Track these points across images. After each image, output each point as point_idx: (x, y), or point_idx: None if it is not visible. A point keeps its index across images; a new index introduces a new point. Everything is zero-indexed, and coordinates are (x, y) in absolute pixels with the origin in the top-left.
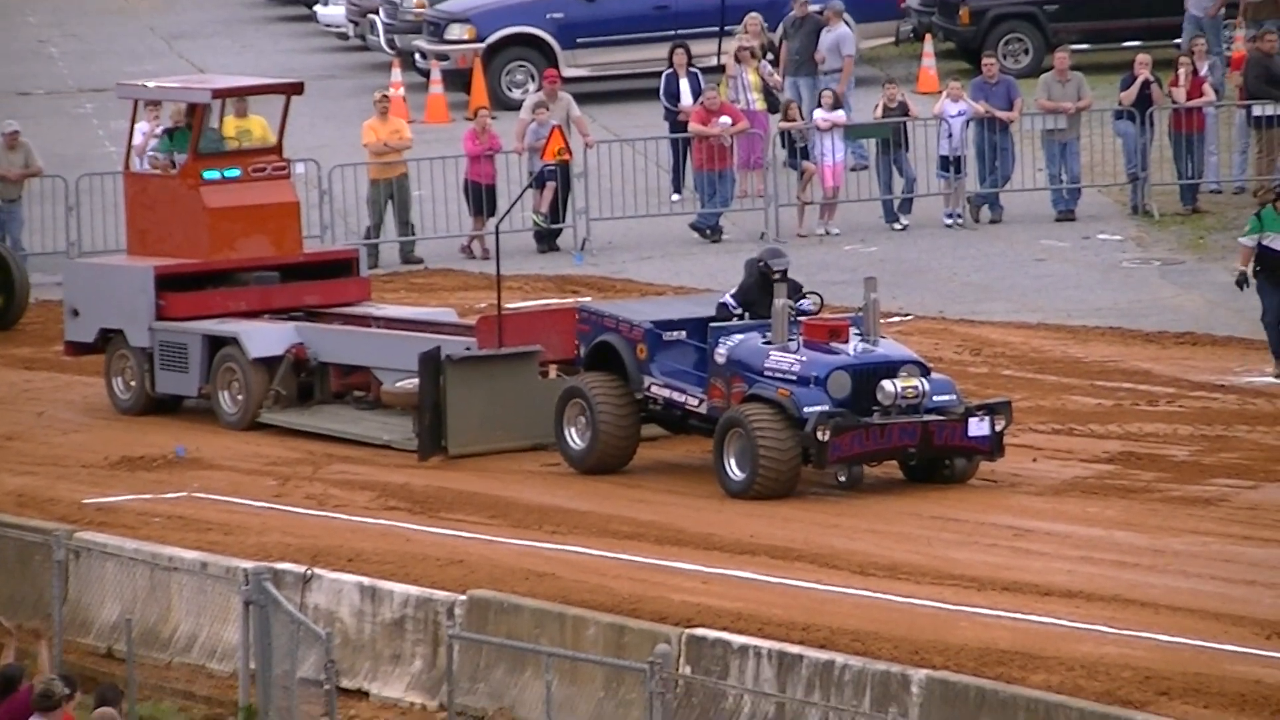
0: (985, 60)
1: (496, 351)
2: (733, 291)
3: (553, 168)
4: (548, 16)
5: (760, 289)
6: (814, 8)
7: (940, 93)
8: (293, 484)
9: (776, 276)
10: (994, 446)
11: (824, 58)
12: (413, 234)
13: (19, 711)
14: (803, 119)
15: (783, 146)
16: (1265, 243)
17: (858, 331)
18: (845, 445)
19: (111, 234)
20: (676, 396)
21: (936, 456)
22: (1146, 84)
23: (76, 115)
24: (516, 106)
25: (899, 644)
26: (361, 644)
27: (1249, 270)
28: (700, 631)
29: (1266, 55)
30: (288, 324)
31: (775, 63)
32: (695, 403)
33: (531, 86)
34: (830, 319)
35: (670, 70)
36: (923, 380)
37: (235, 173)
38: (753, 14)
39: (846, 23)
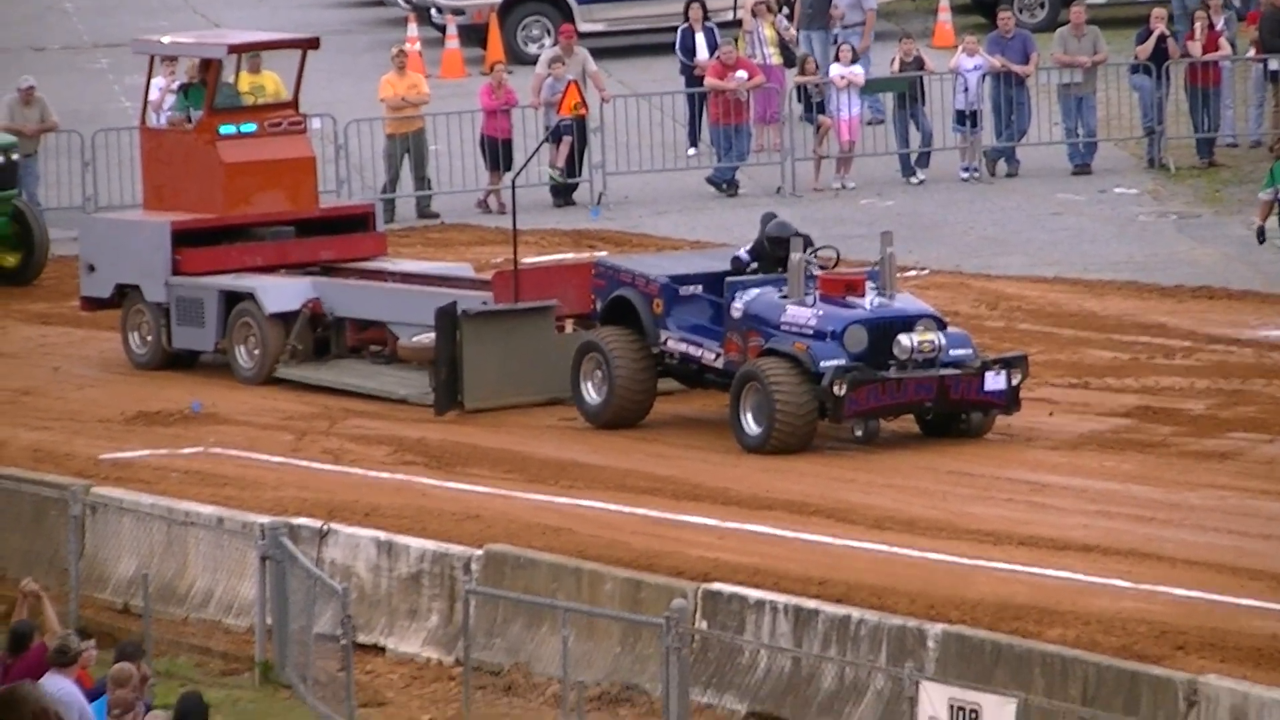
0: (1001, 15)
1: (512, 306)
2: (748, 247)
3: (569, 122)
4: None
5: (774, 244)
6: None
7: (956, 47)
8: (309, 439)
9: (781, 253)
10: (1010, 400)
11: (842, 12)
12: (429, 189)
13: (32, 668)
14: (819, 73)
15: (799, 100)
16: None
17: (874, 286)
18: (862, 399)
19: (127, 189)
20: (693, 351)
21: (953, 411)
22: (1162, 38)
23: (92, 71)
24: (532, 61)
25: (915, 599)
26: (378, 599)
27: (1267, 223)
28: (716, 586)
29: (1278, 8)
30: (304, 279)
31: (791, 17)
32: (711, 357)
33: (547, 41)
34: (846, 273)
35: (686, 25)
36: (939, 334)
37: (251, 128)
38: None
39: None
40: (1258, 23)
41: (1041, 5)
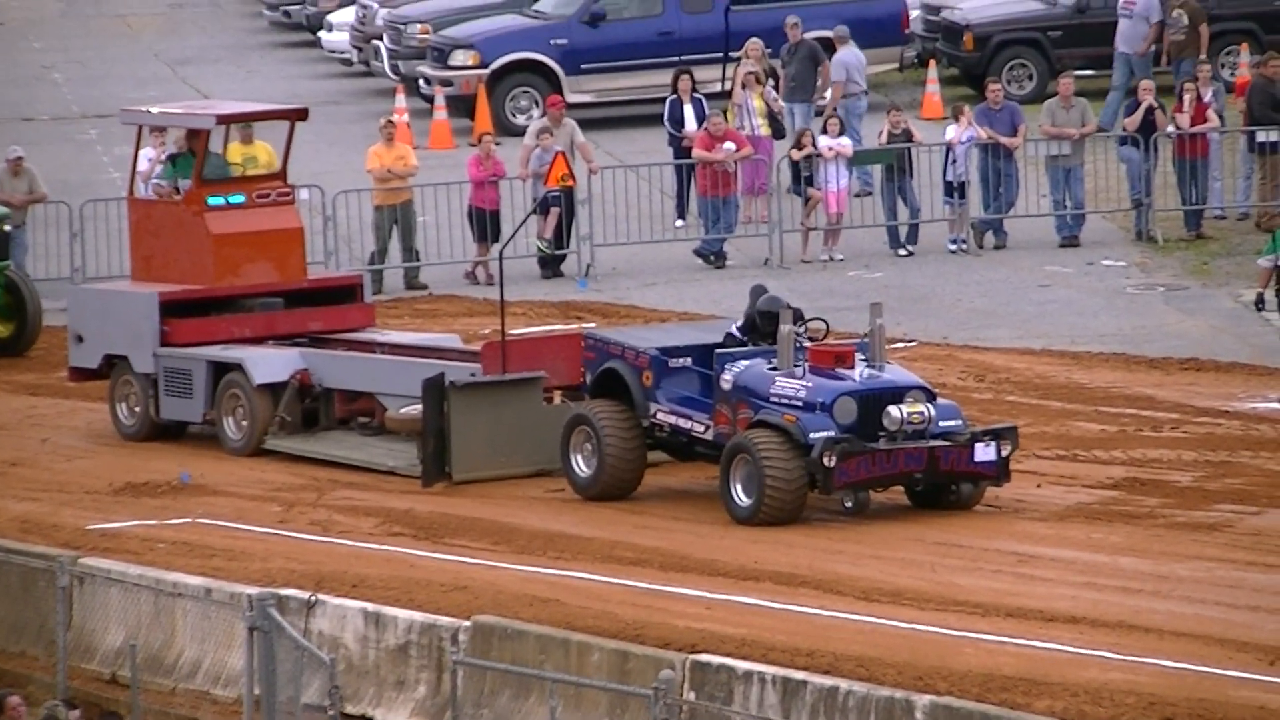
0: (990, 86)
1: (501, 377)
2: (739, 323)
3: (556, 194)
4: (551, 42)
5: (764, 317)
6: (810, 35)
7: (945, 118)
8: (297, 510)
9: (771, 328)
10: (1000, 471)
11: (832, 84)
12: (417, 260)
13: None
14: (814, 147)
15: (788, 169)
16: None
17: (863, 357)
18: (851, 470)
19: (116, 260)
20: (682, 423)
21: (942, 482)
22: (1150, 110)
23: (81, 141)
24: (520, 132)
25: (903, 670)
26: (365, 670)
27: (1267, 290)
28: (704, 657)
29: (1270, 80)
30: (292, 350)
31: (779, 88)
32: (701, 429)
33: (535, 112)
34: (835, 344)
35: (674, 96)
36: (928, 405)
37: (239, 199)
38: (754, 39)
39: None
40: (1245, 93)
41: (1030, 77)
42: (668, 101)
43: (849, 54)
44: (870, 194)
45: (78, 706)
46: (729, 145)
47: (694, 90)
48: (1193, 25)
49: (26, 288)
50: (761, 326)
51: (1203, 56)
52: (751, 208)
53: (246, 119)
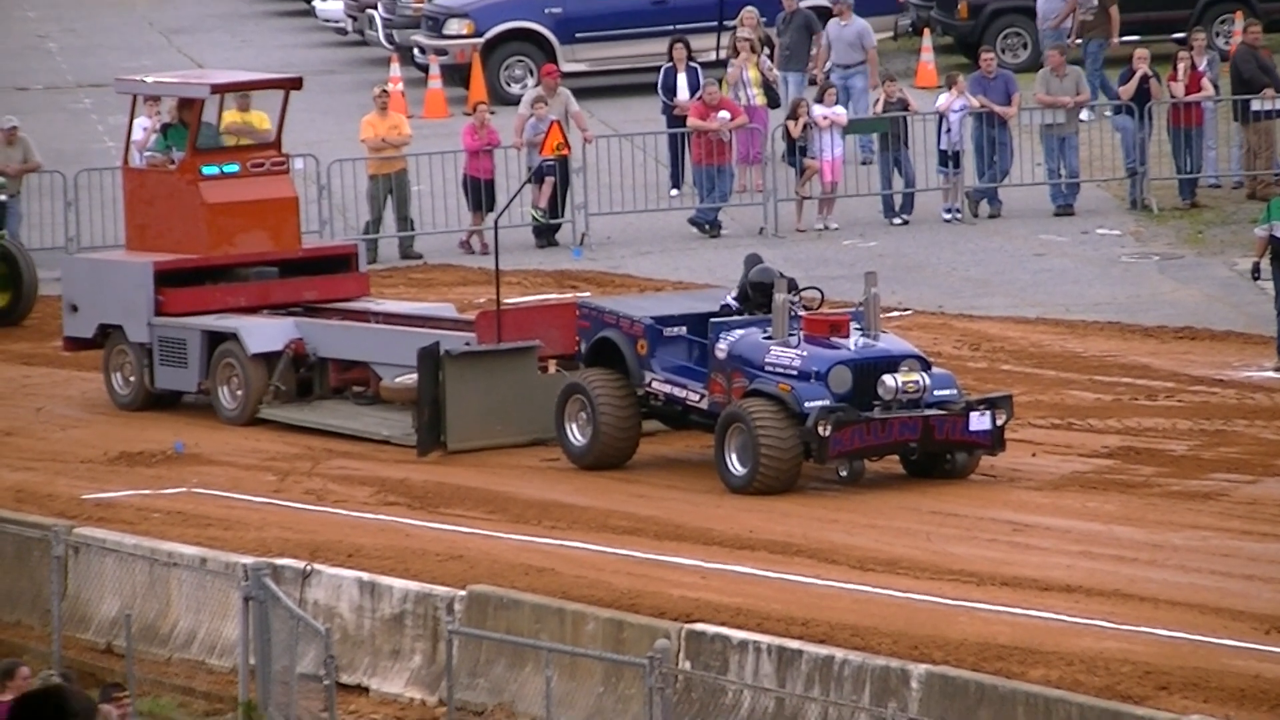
0: (984, 55)
1: (495, 347)
2: (733, 294)
3: (551, 163)
4: (546, 11)
5: (755, 290)
6: (804, 3)
7: (939, 87)
8: (292, 479)
9: (764, 299)
10: (995, 441)
11: (829, 53)
12: (412, 229)
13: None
14: (809, 117)
15: (783, 139)
16: (1275, 232)
17: (858, 326)
18: (846, 440)
19: (110, 229)
20: (677, 392)
21: (937, 451)
22: (1145, 78)
23: (75, 110)
24: (515, 101)
25: (898, 639)
26: (361, 639)
27: (1263, 259)
28: (699, 626)
29: (1253, 48)
30: (287, 319)
31: (774, 57)
32: (696, 398)
33: (530, 81)
34: (830, 314)
35: (669, 65)
36: (923, 375)
37: (234, 168)
38: (749, 8)
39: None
40: (1230, 63)
41: (1024, 45)
42: (662, 70)
43: (859, 24)
44: (872, 162)
45: (73, 677)
46: (724, 114)
47: (689, 59)
48: (1102, 7)
49: (23, 257)
50: (754, 298)
51: (1113, 39)
52: (746, 177)
53: (241, 88)
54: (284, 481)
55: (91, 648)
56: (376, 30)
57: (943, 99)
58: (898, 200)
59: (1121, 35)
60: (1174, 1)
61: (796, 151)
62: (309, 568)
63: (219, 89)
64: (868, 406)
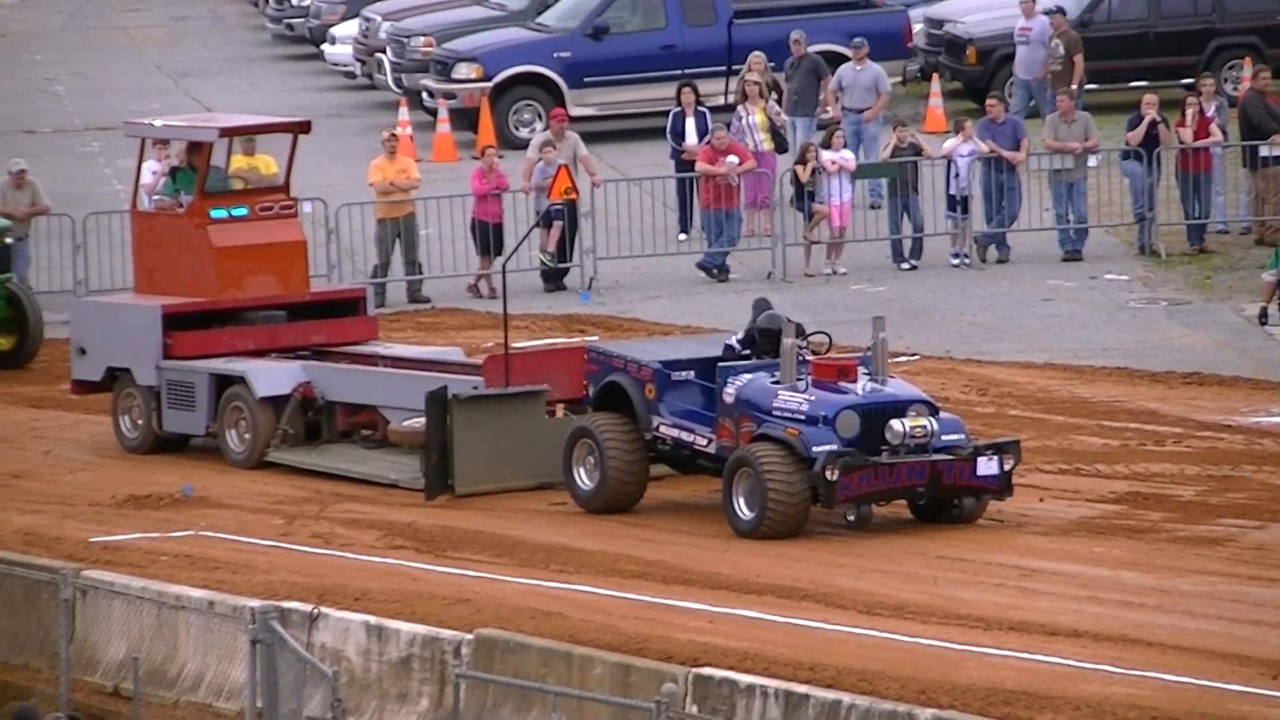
0: (989, 102)
1: (503, 390)
2: (739, 335)
3: (559, 207)
4: (555, 55)
5: (764, 336)
6: (813, 49)
7: (947, 132)
8: (299, 523)
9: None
10: (1003, 486)
11: (838, 97)
12: (420, 273)
13: None
14: (817, 161)
15: (791, 183)
16: None
17: (866, 371)
18: (854, 484)
19: (119, 272)
20: (685, 436)
21: (945, 496)
22: (1153, 124)
23: (83, 154)
24: (523, 145)
25: (905, 684)
26: (368, 683)
27: (1271, 305)
28: (707, 671)
29: (1261, 94)
30: (295, 363)
31: (781, 101)
32: (704, 442)
33: (538, 125)
34: (838, 358)
35: (678, 109)
36: (931, 419)
37: (242, 211)
38: (756, 53)
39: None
40: (1239, 108)
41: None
42: (671, 114)
43: (875, 69)
44: (881, 207)
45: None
46: (732, 159)
47: (698, 103)
48: (1068, 55)
49: (28, 300)
50: (762, 344)
51: (1074, 86)
52: (754, 221)
53: (250, 132)
54: (291, 525)
55: (99, 690)
56: (385, 74)
57: (949, 144)
58: (906, 245)
59: (1130, 81)
60: (1182, 47)
61: (805, 196)
62: (316, 611)
63: (227, 132)
64: (875, 451)
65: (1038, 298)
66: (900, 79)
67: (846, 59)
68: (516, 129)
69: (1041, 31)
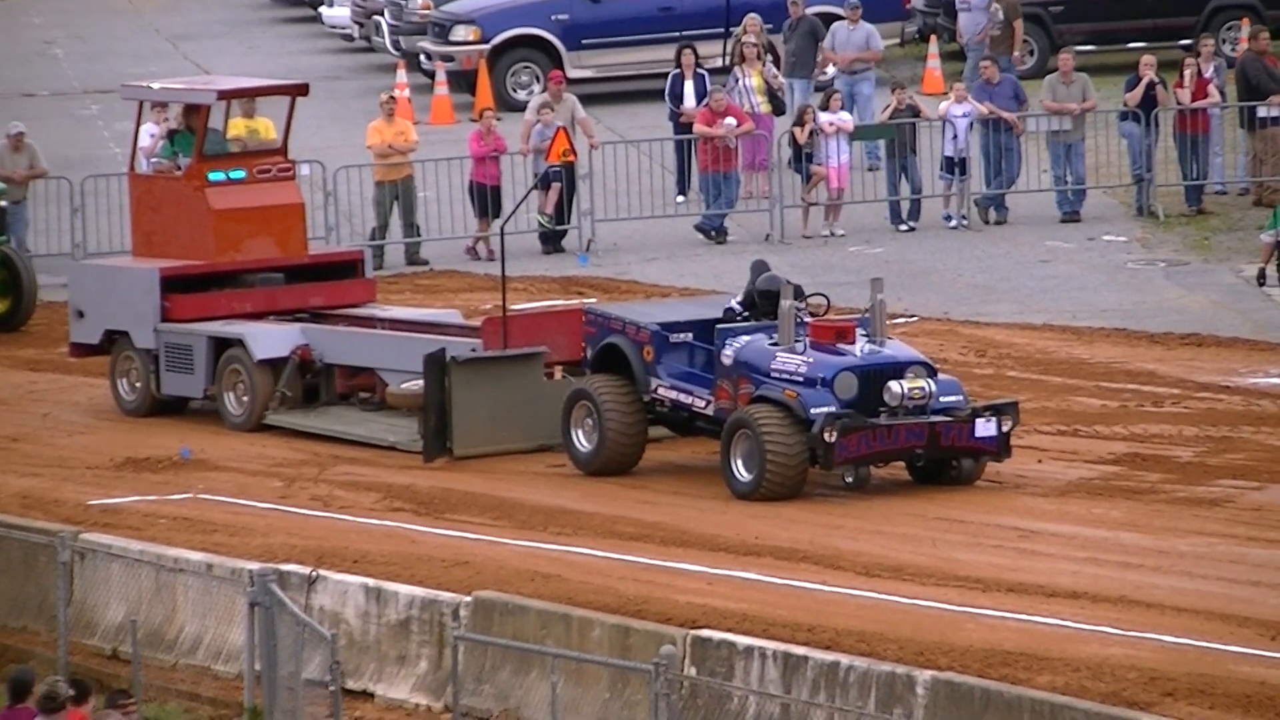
0: (982, 64)
1: (502, 353)
2: (738, 298)
3: (557, 169)
4: (552, 18)
5: (763, 298)
6: (810, 10)
7: (944, 94)
8: (298, 485)
9: (770, 307)
10: (1001, 447)
11: (839, 58)
12: (418, 235)
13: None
14: (815, 123)
15: (788, 145)
16: None
17: (864, 332)
18: (852, 446)
19: (117, 236)
20: (683, 398)
21: (943, 457)
22: (1151, 85)
23: (81, 117)
24: (521, 108)
25: (904, 645)
26: (366, 645)
27: (1269, 265)
28: (705, 633)
29: (1260, 55)
30: (293, 325)
31: (779, 64)
32: (702, 404)
33: (536, 88)
34: (836, 320)
35: (677, 71)
36: (929, 381)
37: (240, 174)
38: (752, 14)
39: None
40: (1237, 70)
41: (1031, 52)
42: (670, 76)
43: (869, 29)
44: (879, 168)
45: (89, 686)
46: (730, 121)
47: (697, 65)
48: (1008, 20)
49: (22, 263)
50: (761, 306)
51: (1016, 53)
52: (752, 183)
53: (247, 94)
54: (290, 487)
55: (97, 654)
56: (383, 36)
57: (943, 105)
58: (904, 207)
59: (1128, 41)
60: (1180, 8)
61: (803, 158)
62: (315, 574)
63: (225, 95)
64: (874, 413)
65: (1036, 259)
66: (898, 41)
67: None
68: (514, 91)
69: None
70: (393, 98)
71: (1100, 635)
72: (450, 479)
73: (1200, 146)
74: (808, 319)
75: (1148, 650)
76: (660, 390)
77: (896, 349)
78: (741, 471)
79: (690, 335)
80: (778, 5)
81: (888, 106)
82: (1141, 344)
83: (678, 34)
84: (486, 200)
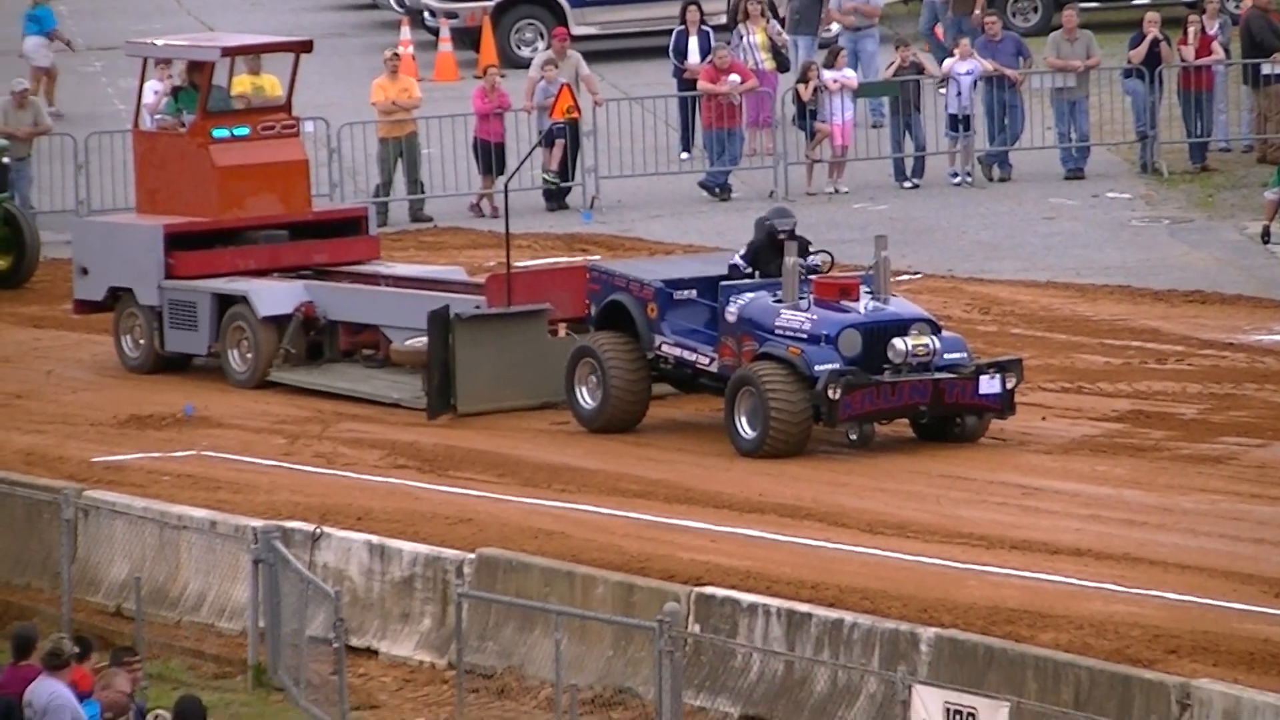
0: (986, 20)
1: (505, 310)
2: (742, 252)
3: (562, 126)
4: None
5: (769, 248)
6: None
7: (951, 52)
8: (302, 442)
9: (783, 235)
10: (1005, 404)
11: (844, 12)
12: (422, 192)
13: (25, 672)
14: (819, 80)
15: (793, 102)
16: None
17: (868, 289)
18: (856, 403)
19: (120, 192)
20: (687, 355)
21: (947, 414)
22: (1155, 42)
23: (85, 74)
24: (526, 65)
25: (908, 602)
26: (370, 602)
27: (1273, 223)
28: (709, 590)
29: (1264, 11)
30: (297, 282)
31: (782, 22)
32: (706, 361)
33: (540, 44)
34: (840, 277)
35: (681, 28)
36: (933, 338)
37: (244, 131)
38: None
39: None
40: (1240, 26)
41: (1035, 9)
42: (674, 33)
43: None
44: (883, 125)
45: (91, 642)
46: (734, 78)
47: (701, 22)
48: None
49: (25, 220)
50: (761, 246)
51: (977, 12)
52: (756, 140)
53: (251, 51)
54: (294, 445)
55: (101, 610)
56: None
57: (946, 63)
58: (908, 164)
59: None
60: None
61: (807, 115)
62: (318, 531)
63: (229, 52)
64: (878, 370)
65: (1040, 216)
66: None
67: None
68: (518, 48)
69: None
70: (397, 54)
71: (1104, 593)
72: (454, 436)
73: (1204, 104)
74: (811, 276)
75: (1151, 608)
76: (664, 347)
77: (900, 306)
78: (745, 429)
79: (694, 292)
80: None
81: (892, 64)
82: (1145, 301)
83: None
84: (490, 157)
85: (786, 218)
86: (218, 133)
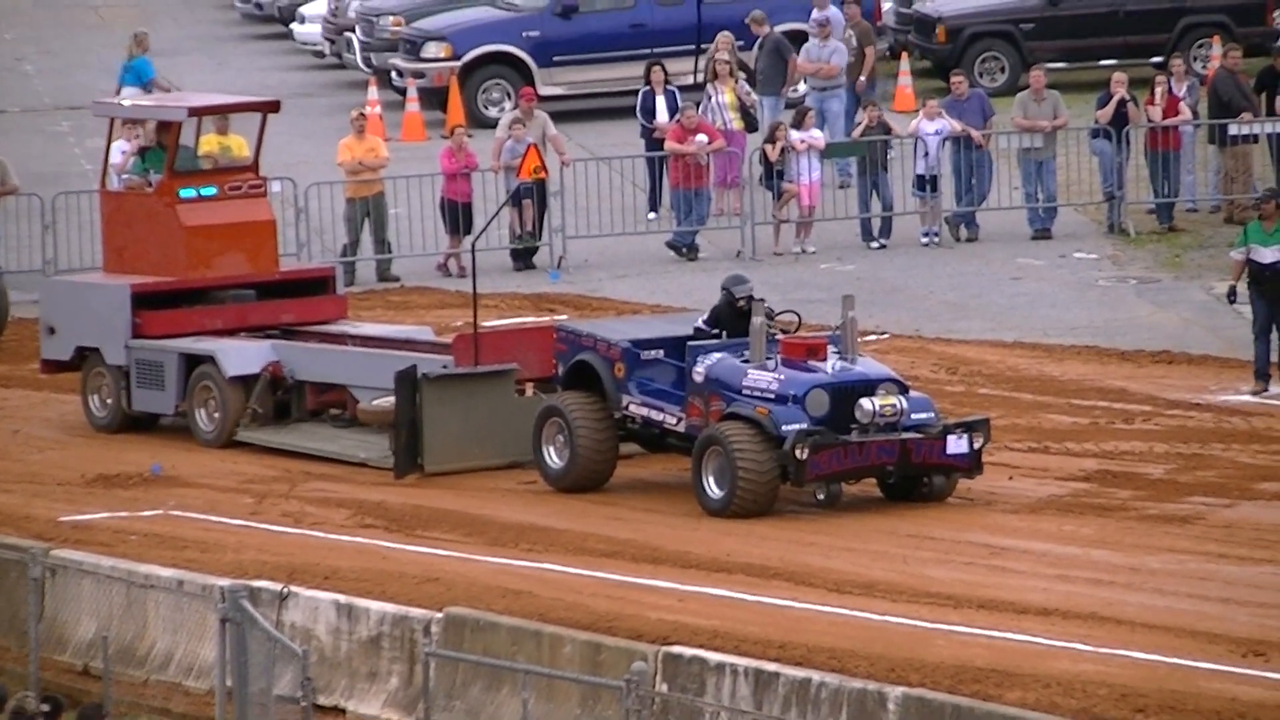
0: (954, 79)
1: (473, 369)
2: (705, 317)
3: (529, 186)
4: (524, 35)
5: (730, 314)
6: (779, 28)
7: (917, 111)
8: (269, 501)
9: (741, 304)
10: (973, 464)
11: (800, 70)
12: (389, 252)
13: None
14: (786, 140)
15: (760, 162)
16: (1252, 256)
17: (835, 349)
18: (824, 463)
19: (88, 252)
20: (655, 415)
21: (915, 474)
22: (1123, 102)
23: (53, 133)
24: (493, 125)
25: (875, 661)
26: (338, 661)
27: (1240, 283)
28: (676, 649)
29: (1232, 72)
30: (264, 342)
31: (752, 81)
32: (673, 421)
33: (508, 104)
34: (808, 337)
35: (648, 88)
36: (901, 398)
37: (211, 191)
38: (724, 32)
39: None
40: (1209, 86)
41: (1002, 69)
42: (641, 93)
43: (835, 45)
44: (850, 186)
45: (61, 701)
46: (701, 138)
47: (667, 82)
48: (860, 46)
49: None
50: (725, 313)
51: (863, 78)
52: (724, 200)
53: (219, 111)
54: (261, 504)
55: (69, 669)
56: (354, 53)
57: (914, 123)
58: (876, 224)
59: (1100, 59)
60: (1152, 26)
61: (774, 175)
62: (286, 590)
63: (197, 112)
64: (845, 430)
65: (1007, 276)
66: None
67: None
68: (486, 108)
69: (836, 23)
70: (364, 114)
71: (1071, 652)
72: (421, 495)
73: (1171, 164)
74: (779, 336)
75: (1118, 667)
76: (631, 407)
77: (868, 366)
78: (713, 488)
79: (661, 352)
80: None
81: (859, 124)
82: (1112, 361)
83: (649, 51)
84: (458, 217)
85: (743, 284)
86: (185, 192)
